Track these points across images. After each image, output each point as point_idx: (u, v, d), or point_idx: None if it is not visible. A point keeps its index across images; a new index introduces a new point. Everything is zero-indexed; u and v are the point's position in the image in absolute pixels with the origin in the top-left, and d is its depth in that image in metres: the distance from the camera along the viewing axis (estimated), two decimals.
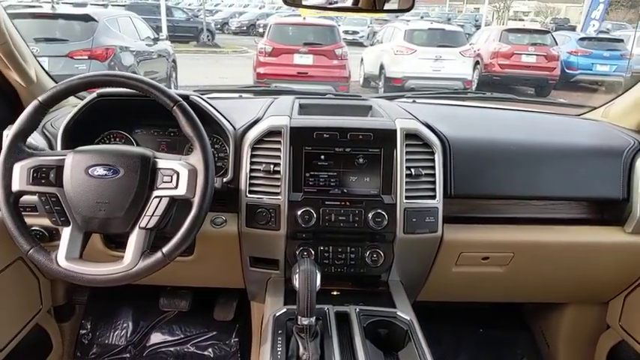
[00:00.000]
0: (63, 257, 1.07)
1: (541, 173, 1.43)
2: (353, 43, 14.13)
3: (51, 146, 1.41)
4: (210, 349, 1.93)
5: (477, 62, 10.33)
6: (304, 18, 8.64)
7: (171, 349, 1.93)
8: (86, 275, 1.06)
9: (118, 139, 1.50)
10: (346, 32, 14.68)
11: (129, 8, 13.59)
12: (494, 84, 10.10)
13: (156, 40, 8.50)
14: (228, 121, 1.41)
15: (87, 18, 6.87)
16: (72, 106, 1.55)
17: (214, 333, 1.96)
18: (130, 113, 1.48)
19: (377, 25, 17.20)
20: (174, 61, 9.16)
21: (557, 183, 1.44)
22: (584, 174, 1.45)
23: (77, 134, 1.39)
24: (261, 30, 18.78)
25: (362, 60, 10.68)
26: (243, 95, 2.05)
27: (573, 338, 1.86)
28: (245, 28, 21.70)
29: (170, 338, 1.95)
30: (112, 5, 14.00)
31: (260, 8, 25.87)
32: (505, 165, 1.43)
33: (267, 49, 8.04)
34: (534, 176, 1.43)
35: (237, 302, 1.97)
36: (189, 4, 23.82)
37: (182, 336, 1.95)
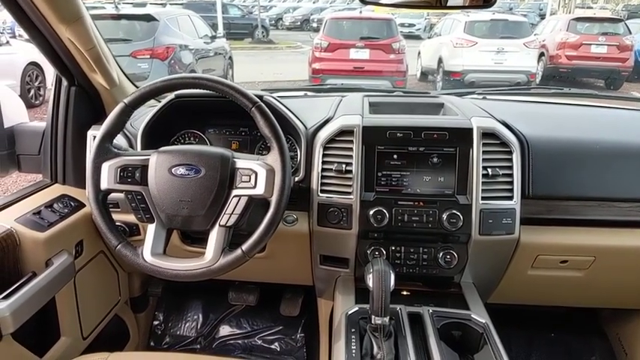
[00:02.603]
0: (148, 252, 1.12)
1: (628, 174, 1.35)
2: (410, 37, 13.85)
3: (131, 145, 1.47)
4: (276, 343, 1.97)
5: (542, 54, 9.87)
6: (360, 12, 8.57)
7: (239, 341, 1.98)
8: (170, 270, 1.10)
9: (192, 139, 1.55)
10: (402, 25, 14.42)
11: (186, 6, 13.99)
12: (560, 77, 9.61)
13: (213, 37, 8.70)
14: (300, 121, 1.43)
15: (149, 18, 7.13)
16: (147, 107, 1.61)
17: (280, 327, 2.00)
18: (204, 113, 1.53)
19: (434, 17, 16.81)
20: (230, 58, 9.35)
21: None
22: None
23: (155, 134, 1.45)
24: (314, 25, 18.86)
25: (419, 53, 10.48)
26: (308, 94, 2.06)
27: None
28: (299, 23, 21.85)
29: (238, 331, 2.00)
30: (170, 4, 14.43)
31: (314, 3, 25.92)
32: (588, 165, 1.36)
33: (322, 45, 8.04)
34: (620, 177, 1.36)
35: (303, 298, 2.00)
36: (244, 1, 24.18)
37: (249, 329, 2.00)
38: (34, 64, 7.23)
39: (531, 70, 8.73)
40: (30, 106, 6.90)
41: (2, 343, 1.15)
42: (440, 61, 9.12)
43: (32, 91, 7.21)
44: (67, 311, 1.44)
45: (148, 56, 6.84)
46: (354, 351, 1.14)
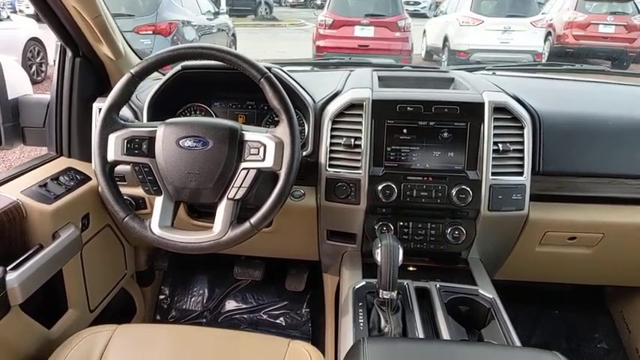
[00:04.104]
0: (156, 225, 1.11)
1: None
2: (415, 15, 13.63)
3: (137, 118, 1.46)
4: (281, 318, 1.98)
5: (549, 33, 9.72)
6: None
7: (245, 316, 1.99)
8: (178, 243, 1.10)
9: (198, 112, 1.54)
10: (408, 3, 14.19)
11: None
12: (567, 57, 9.48)
13: (216, 14, 8.59)
14: (308, 94, 1.41)
15: None
16: (153, 80, 1.59)
17: (286, 302, 2.01)
18: (210, 86, 1.51)
19: None
20: (233, 35, 9.24)
21: None
22: None
23: (161, 106, 1.43)
24: (318, 2, 18.57)
25: (424, 32, 10.33)
26: (315, 68, 2.03)
27: None
28: (303, 0, 21.55)
29: (244, 306, 2.01)
30: None
31: None
32: (600, 141, 1.34)
33: (327, 22, 7.94)
34: (631, 154, 1.34)
35: (308, 274, 2.00)
36: None
37: (255, 304, 2.01)
38: (36, 40, 7.15)
39: (538, 50, 8.61)
40: (32, 82, 6.84)
41: (11, 314, 1.15)
42: (445, 40, 9.00)
43: (34, 67, 7.15)
44: (74, 284, 1.44)
45: (151, 32, 6.76)
46: (361, 324, 1.14)
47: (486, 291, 1.26)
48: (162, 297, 2.04)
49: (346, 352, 0.86)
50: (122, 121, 1.14)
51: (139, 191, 1.44)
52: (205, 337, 1.19)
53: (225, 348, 1.14)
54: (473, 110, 1.29)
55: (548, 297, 2.00)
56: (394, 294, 1.10)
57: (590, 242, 1.42)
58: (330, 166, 1.34)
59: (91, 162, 1.49)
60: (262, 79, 1.09)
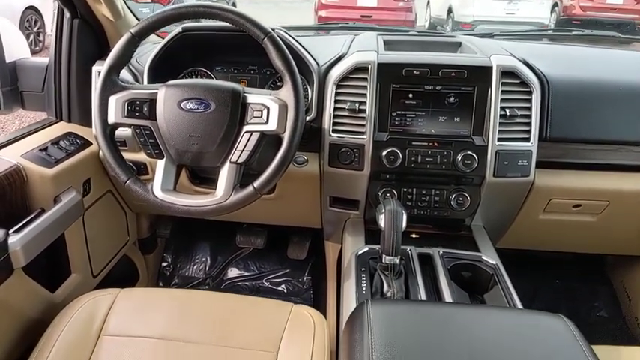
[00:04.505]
0: (158, 188, 1.10)
1: None
2: None
3: (137, 81, 1.43)
4: (283, 285, 1.99)
5: (555, 4, 9.54)
6: None
7: (247, 283, 2.01)
8: (181, 206, 1.09)
9: (200, 76, 1.51)
10: None
11: None
12: (574, 28, 9.31)
13: None
14: (312, 57, 1.38)
15: None
16: (153, 43, 1.56)
17: (287, 270, 2.02)
18: (211, 50, 1.48)
19: None
20: (233, 4, 9.07)
21: None
22: None
23: (162, 70, 1.41)
24: None
25: (428, 2, 10.14)
26: (319, 33, 1.99)
27: None
28: None
29: (246, 273, 2.02)
30: None
31: None
32: (610, 108, 1.31)
33: None
34: None
35: (310, 242, 2.01)
36: None
37: (257, 271, 2.02)
38: (33, 9, 7.01)
39: (544, 22, 8.50)
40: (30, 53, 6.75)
41: (14, 277, 1.15)
42: (450, 10, 8.85)
43: (32, 37, 7.02)
44: (77, 249, 1.44)
45: (149, 0, 6.63)
46: (364, 288, 1.14)
47: (489, 257, 1.26)
48: (164, 264, 2.05)
49: (349, 314, 0.86)
50: (122, 83, 1.12)
51: (140, 157, 1.43)
52: (209, 300, 1.19)
53: (229, 311, 1.14)
54: (480, 74, 1.26)
55: (548, 266, 2.00)
56: (397, 259, 1.09)
57: (594, 210, 1.42)
58: (334, 131, 1.32)
59: (91, 127, 1.47)
60: (266, 39, 1.06)
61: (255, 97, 1.08)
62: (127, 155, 1.39)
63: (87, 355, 1.03)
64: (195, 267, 2.04)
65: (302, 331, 1.08)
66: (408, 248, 1.27)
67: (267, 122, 1.06)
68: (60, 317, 1.11)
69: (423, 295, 1.11)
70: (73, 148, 1.41)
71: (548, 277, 2.01)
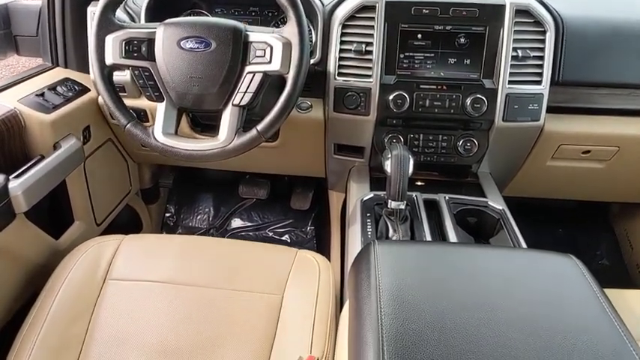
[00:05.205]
0: (160, 132, 1.07)
1: None
2: None
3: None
4: (287, 235, 1.99)
5: None
6: None
7: (251, 233, 2.01)
8: (183, 150, 1.06)
9: None
10: None
11: None
12: None
13: None
14: None
15: None
16: None
17: (291, 220, 2.02)
18: None
19: None
20: None
21: None
22: None
23: (159, 11, 1.35)
24: None
25: None
26: None
27: None
28: None
29: (249, 224, 2.02)
30: None
31: None
32: (626, 50, 1.26)
33: None
34: None
35: (314, 193, 2.00)
36: None
37: (260, 222, 2.02)
38: None
39: None
40: None
41: (17, 222, 1.14)
42: None
43: None
44: (79, 197, 1.43)
45: None
46: (369, 233, 1.14)
47: (496, 203, 1.25)
48: (167, 214, 2.05)
49: (355, 256, 0.85)
50: (119, 22, 1.07)
51: (140, 102, 1.39)
52: (215, 245, 1.19)
53: (234, 256, 1.14)
54: (493, 13, 1.21)
55: (552, 215, 2.00)
56: (403, 204, 1.08)
57: (604, 156, 1.39)
58: (340, 74, 1.27)
59: (89, 73, 1.43)
60: None
61: (257, 35, 1.03)
62: (126, 101, 1.35)
63: (93, 299, 1.03)
64: (198, 217, 2.04)
65: (307, 275, 1.08)
66: (414, 194, 1.25)
67: (270, 62, 1.02)
68: (64, 262, 1.11)
69: (428, 239, 1.10)
70: (71, 93, 1.37)
71: (552, 225, 2.01)
